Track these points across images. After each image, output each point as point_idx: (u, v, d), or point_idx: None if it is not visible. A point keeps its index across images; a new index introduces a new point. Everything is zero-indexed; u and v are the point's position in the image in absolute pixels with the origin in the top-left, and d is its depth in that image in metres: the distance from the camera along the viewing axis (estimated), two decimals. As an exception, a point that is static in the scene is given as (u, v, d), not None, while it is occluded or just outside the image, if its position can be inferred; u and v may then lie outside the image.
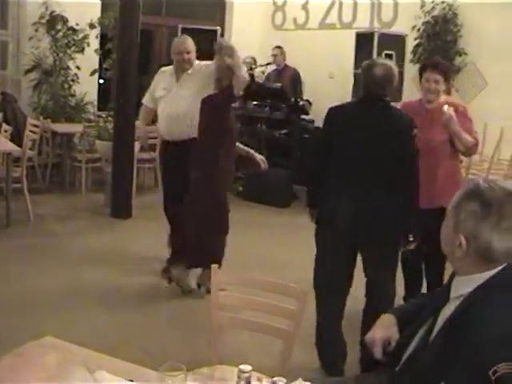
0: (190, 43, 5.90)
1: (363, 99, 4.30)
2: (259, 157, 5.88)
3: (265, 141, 9.04)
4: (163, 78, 6.05)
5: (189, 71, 5.88)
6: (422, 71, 4.92)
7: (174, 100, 5.85)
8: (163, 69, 6.20)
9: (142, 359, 2.66)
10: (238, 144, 5.79)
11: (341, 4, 11.21)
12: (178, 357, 3.79)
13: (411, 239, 4.22)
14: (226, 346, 3.20)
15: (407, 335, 2.41)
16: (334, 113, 4.35)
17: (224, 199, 5.60)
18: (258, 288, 3.14)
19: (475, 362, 1.98)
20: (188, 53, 5.84)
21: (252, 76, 9.51)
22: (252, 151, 5.91)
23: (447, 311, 2.22)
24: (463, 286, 2.20)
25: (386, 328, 2.49)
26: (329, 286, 4.33)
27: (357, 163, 4.17)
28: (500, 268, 2.16)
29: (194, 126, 5.66)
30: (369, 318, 3.97)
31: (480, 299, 2.12)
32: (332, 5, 11.36)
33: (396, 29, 9.88)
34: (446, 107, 4.70)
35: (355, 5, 10.99)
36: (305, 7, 11.83)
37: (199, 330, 4.98)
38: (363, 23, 10.66)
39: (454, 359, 2.05)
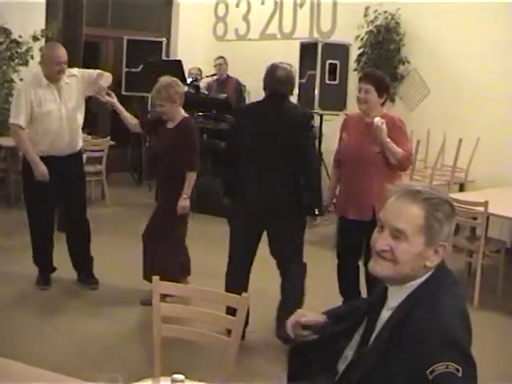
0: (65, 52, 5.64)
1: (267, 98, 4.93)
2: (181, 202, 5.48)
3: (210, 152, 9.00)
4: (36, 91, 5.55)
5: (66, 81, 5.64)
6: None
7: (66, 113, 5.63)
8: (30, 82, 5.77)
9: (85, 371, 2.64)
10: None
11: (281, 14, 11.32)
12: (121, 369, 3.79)
13: (317, 213, 4.86)
14: (170, 357, 3.20)
15: (339, 330, 2.45)
16: (239, 111, 5.25)
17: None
18: (199, 298, 3.15)
19: (413, 364, 2.02)
20: (65, 63, 5.59)
21: (197, 87, 9.53)
22: (185, 190, 5.49)
23: (383, 319, 2.25)
24: (399, 293, 2.23)
25: (309, 314, 2.52)
26: (240, 252, 4.94)
27: (260, 152, 4.78)
28: (431, 272, 2.21)
29: (76, 139, 5.79)
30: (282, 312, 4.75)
31: (414, 305, 2.16)
32: (272, 15, 11.46)
33: (335, 38, 10.00)
34: (377, 119, 4.77)
35: (295, 15, 11.10)
36: (246, 18, 11.90)
37: (144, 341, 4.96)
38: (303, 33, 10.79)
39: (393, 364, 2.09)
